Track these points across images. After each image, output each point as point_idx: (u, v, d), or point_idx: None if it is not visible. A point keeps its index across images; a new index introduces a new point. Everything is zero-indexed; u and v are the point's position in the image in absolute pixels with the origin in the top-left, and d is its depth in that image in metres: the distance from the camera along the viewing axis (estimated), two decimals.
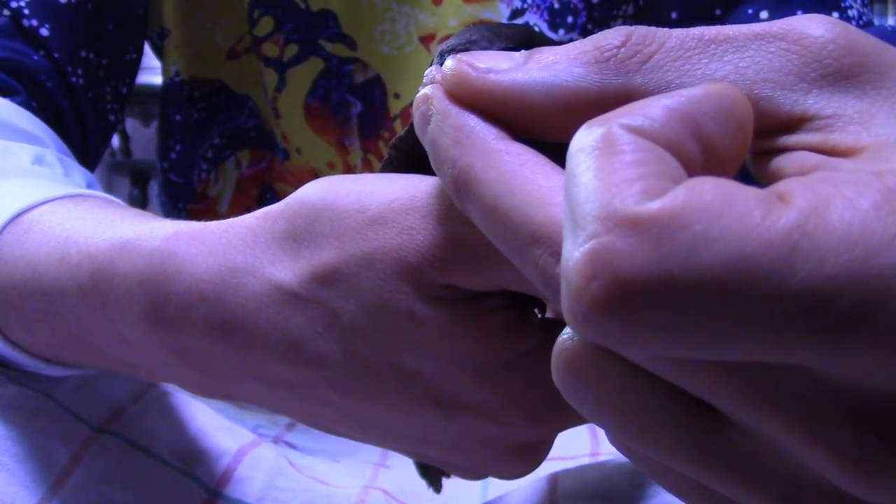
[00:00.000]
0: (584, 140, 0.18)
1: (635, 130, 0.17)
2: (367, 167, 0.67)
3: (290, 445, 0.54)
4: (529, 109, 0.22)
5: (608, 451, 0.50)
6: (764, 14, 0.58)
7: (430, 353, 0.29)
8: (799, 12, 0.59)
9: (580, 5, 0.62)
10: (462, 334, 0.29)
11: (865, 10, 0.60)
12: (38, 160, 0.48)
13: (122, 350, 0.35)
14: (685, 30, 0.21)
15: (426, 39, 0.64)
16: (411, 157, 0.32)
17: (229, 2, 0.68)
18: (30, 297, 0.36)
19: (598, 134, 0.17)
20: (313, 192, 0.30)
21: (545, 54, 0.22)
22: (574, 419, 0.31)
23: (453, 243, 0.28)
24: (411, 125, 0.31)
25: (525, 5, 0.62)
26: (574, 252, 0.16)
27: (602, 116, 0.18)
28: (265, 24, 0.65)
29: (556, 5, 0.62)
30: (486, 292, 0.29)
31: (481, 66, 0.23)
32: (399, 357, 0.30)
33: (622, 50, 0.21)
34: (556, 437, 0.33)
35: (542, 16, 0.62)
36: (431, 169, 0.31)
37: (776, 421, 0.17)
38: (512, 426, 0.31)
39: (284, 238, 0.30)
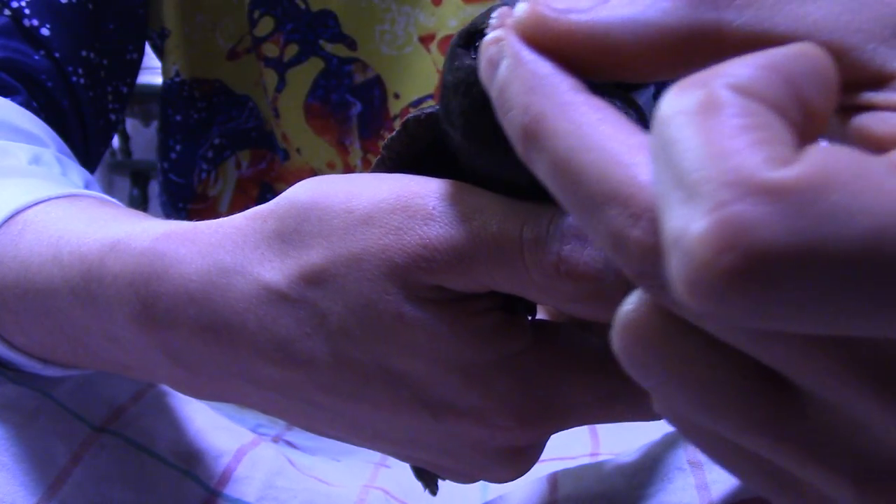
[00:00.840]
0: (684, 102, 0.17)
1: (743, 92, 0.16)
2: (367, 167, 0.67)
3: (290, 444, 0.54)
4: (614, 49, 0.21)
5: (608, 451, 0.50)
6: None
7: (418, 355, 0.29)
8: None
9: None
10: (449, 336, 0.29)
11: None
12: (36, 160, 0.48)
13: (114, 351, 0.35)
14: None
15: (426, 40, 0.64)
16: (403, 158, 0.32)
17: (229, 2, 0.68)
18: (23, 297, 0.36)
19: (701, 95, 0.16)
20: (302, 191, 0.30)
21: None
22: (564, 422, 0.31)
23: (440, 244, 0.28)
24: (403, 125, 0.31)
25: None
26: (695, 222, 0.15)
27: (696, 77, 0.17)
28: (265, 25, 0.66)
29: None
30: (475, 294, 0.29)
31: (560, 5, 0.21)
32: (387, 358, 0.29)
33: None
34: (547, 440, 0.33)
35: None
36: (423, 169, 0.31)
37: (871, 396, 0.17)
38: (500, 429, 0.30)
39: (273, 238, 0.30)
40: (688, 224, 0.15)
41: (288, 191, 0.31)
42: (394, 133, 0.31)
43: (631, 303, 0.19)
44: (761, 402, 0.18)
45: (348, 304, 0.29)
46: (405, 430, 0.31)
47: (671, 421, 0.21)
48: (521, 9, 0.22)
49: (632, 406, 0.30)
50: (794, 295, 0.15)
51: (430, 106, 0.31)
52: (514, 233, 0.27)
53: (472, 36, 0.28)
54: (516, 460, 0.32)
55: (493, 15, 0.24)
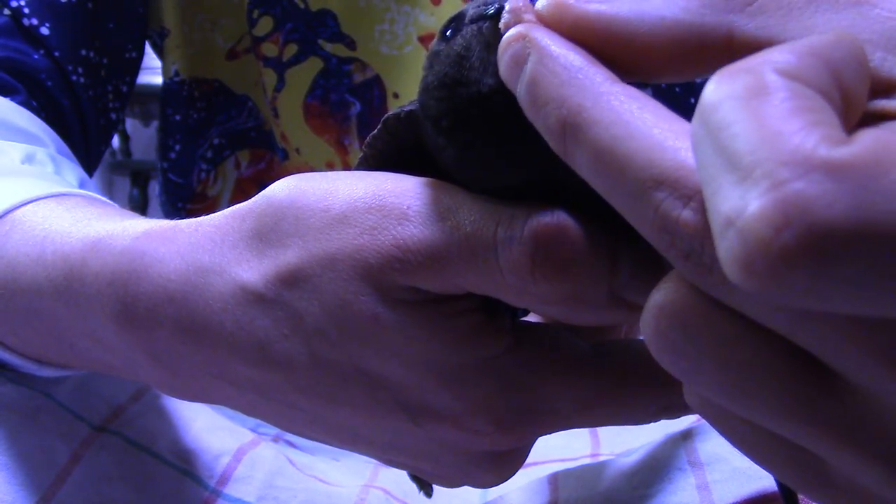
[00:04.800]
0: (731, 87, 0.17)
1: (791, 76, 0.17)
2: None
3: (291, 444, 0.54)
4: (630, 43, 0.21)
5: (608, 452, 0.50)
6: None
7: (395, 357, 0.29)
8: None
9: None
10: (426, 338, 0.28)
11: None
12: (29, 159, 0.48)
13: (98, 351, 0.35)
14: None
15: (425, 39, 0.64)
16: (384, 156, 0.31)
17: (228, 2, 0.68)
18: (11, 298, 0.36)
19: (750, 80, 0.17)
20: (280, 189, 0.30)
21: None
22: (545, 427, 0.30)
23: (414, 244, 0.27)
24: (383, 123, 0.31)
25: None
26: (752, 201, 0.15)
27: (740, 63, 0.17)
28: (264, 24, 0.65)
29: None
30: (451, 295, 0.28)
31: None
32: (364, 360, 0.29)
33: None
34: (531, 444, 0.32)
35: None
36: (405, 167, 0.30)
37: None
38: (480, 433, 0.30)
39: (251, 237, 0.30)
40: (744, 204, 0.15)
41: (267, 189, 0.30)
42: (375, 131, 0.31)
43: (666, 286, 0.19)
44: (798, 384, 0.18)
45: (324, 306, 0.28)
46: (384, 433, 0.31)
47: (700, 410, 0.21)
48: (543, 2, 0.22)
49: (615, 410, 0.30)
50: (851, 272, 0.15)
51: (411, 103, 0.30)
52: (487, 233, 0.26)
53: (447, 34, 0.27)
54: (498, 465, 0.32)
55: (506, 9, 0.24)
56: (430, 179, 0.29)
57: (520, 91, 0.22)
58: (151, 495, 0.40)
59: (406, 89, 0.65)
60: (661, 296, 0.19)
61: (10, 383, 0.39)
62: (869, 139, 0.15)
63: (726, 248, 0.16)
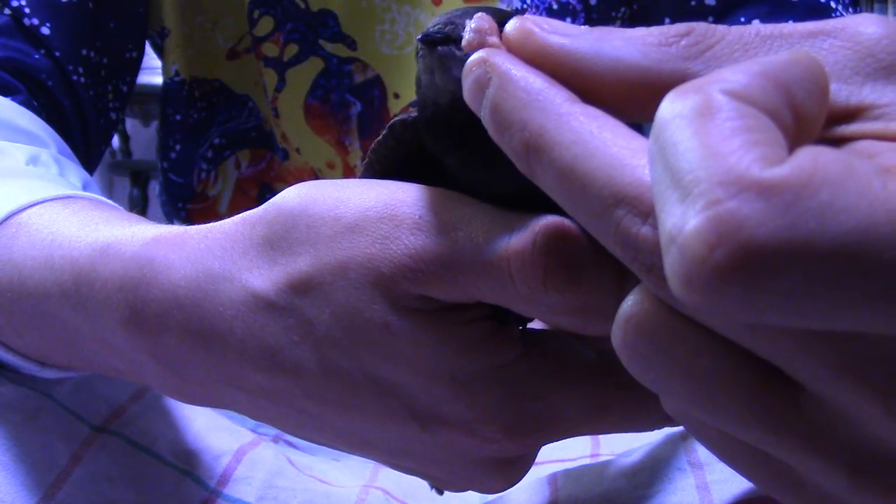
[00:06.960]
0: (681, 106, 0.17)
1: (737, 96, 0.17)
2: None
3: (291, 444, 0.54)
4: (589, 77, 0.22)
5: (608, 452, 0.50)
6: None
7: (405, 365, 0.29)
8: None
9: (578, 6, 0.62)
10: (436, 346, 0.28)
11: None
12: (33, 160, 0.48)
13: (105, 355, 0.35)
14: (744, 27, 0.22)
15: None
16: (390, 161, 0.31)
17: (229, 2, 0.68)
18: (16, 301, 0.36)
19: (698, 100, 0.17)
20: (291, 197, 0.30)
21: (606, 31, 0.22)
22: (553, 434, 0.30)
23: (426, 254, 0.27)
24: (389, 128, 0.31)
25: (524, 6, 0.62)
26: (690, 219, 0.16)
27: (692, 83, 0.18)
28: (265, 24, 0.66)
29: (555, 6, 0.62)
30: (462, 303, 0.28)
31: (546, 27, 0.23)
32: (374, 367, 0.29)
33: (685, 38, 0.22)
34: (538, 451, 0.32)
35: (540, 16, 0.62)
36: (411, 173, 0.30)
37: (860, 391, 0.17)
38: (489, 440, 0.30)
39: (262, 244, 0.30)
40: (683, 221, 0.16)
41: (277, 196, 0.31)
42: (380, 136, 0.31)
43: (633, 298, 0.20)
44: (761, 394, 0.19)
45: (335, 313, 0.29)
46: (393, 439, 0.31)
47: (676, 417, 0.22)
48: (511, 27, 0.23)
49: (620, 418, 0.30)
50: (783, 288, 0.16)
51: (415, 107, 0.30)
52: (500, 244, 0.27)
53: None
54: (506, 471, 0.32)
55: (471, 28, 0.24)
56: (441, 189, 0.29)
57: (484, 115, 0.23)
58: (151, 495, 0.40)
59: (407, 89, 0.65)
60: (628, 307, 0.20)
61: (11, 384, 0.39)
62: (804, 159, 0.16)
63: (669, 263, 0.16)
